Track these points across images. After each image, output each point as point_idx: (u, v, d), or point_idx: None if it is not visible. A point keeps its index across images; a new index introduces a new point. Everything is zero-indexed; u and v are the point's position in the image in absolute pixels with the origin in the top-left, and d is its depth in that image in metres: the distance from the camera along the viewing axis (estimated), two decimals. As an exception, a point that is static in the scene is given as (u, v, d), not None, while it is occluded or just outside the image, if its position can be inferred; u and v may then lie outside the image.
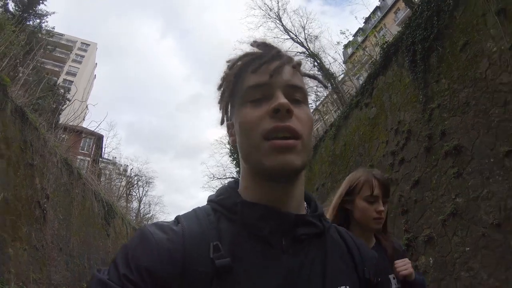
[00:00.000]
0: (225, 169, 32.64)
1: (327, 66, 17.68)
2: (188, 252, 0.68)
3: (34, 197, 8.50)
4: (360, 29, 26.16)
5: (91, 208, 12.00)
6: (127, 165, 33.30)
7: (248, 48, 0.85)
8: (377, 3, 29.53)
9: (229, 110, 0.88)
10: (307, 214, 0.81)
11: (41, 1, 16.88)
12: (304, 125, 0.75)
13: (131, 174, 33.30)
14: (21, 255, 7.54)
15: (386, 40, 8.29)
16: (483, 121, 5.06)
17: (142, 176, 35.62)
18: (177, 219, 0.77)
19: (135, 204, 34.91)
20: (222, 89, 0.87)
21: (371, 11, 28.81)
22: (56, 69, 19.97)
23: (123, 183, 28.55)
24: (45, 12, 17.01)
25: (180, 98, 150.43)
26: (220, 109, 0.90)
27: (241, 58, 0.82)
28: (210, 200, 0.84)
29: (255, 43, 0.84)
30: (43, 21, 17.19)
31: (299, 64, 0.83)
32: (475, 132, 5.19)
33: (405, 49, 7.16)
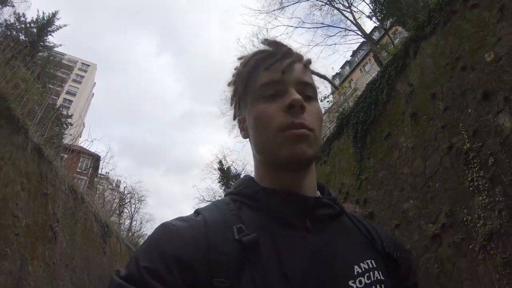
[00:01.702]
0: (215, 193, 33.76)
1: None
2: (212, 237, 0.68)
3: (48, 221, 10.17)
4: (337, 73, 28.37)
5: (91, 229, 13.62)
6: (120, 180, 34.28)
7: (260, 46, 0.90)
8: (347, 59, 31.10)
9: (240, 105, 0.91)
10: (323, 197, 0.84)
11: (49, 34, 18.53)
12: (315, 119, 0.79)
13: (124, 191, 34.37)
14: (38, 271, 9.18)
15: (342, 111, 9.83)
16: (388, 198, 6.68)
17: (134, 194, 36.26)
18: (197, 211, 0.79)
19: (126, 221, 35.55)
20: (235, 85, 0.91)
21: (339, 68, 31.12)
22: (58, 88, 21.37)
23: (116, 200, 29.54)
24: (53, 44, 18.68)
25: (173, 115, 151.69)
26: (231, 104, 0.96)
27: (254, 55, 0.87)
28: (229, 193, 0.87)
29: (266, 41, 0.88)
30: (51, 52, 18.90)
31: (309, 62, 0.87)
32: (382, 205, 6.81)
33: (351, 125, 8.57)
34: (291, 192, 0.78)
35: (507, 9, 4.87)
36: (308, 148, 0.74)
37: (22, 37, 17.13)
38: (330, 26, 17.14)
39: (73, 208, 12.20)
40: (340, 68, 34.01)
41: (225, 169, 30.57)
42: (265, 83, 0.80)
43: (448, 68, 5.68)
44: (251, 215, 0.76)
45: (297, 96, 0.75)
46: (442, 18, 6.22)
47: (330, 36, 17.92)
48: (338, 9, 16.60)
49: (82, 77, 47.25)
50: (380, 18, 15.51)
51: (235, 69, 0.91)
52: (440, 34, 6.22)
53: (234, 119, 0.95)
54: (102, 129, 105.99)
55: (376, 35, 19.75)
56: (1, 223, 7.96)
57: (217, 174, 31.06)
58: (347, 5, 16.99)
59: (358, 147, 8.11)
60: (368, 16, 16.15)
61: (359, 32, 16.20)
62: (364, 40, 17.11)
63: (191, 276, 0.62)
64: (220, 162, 31.32)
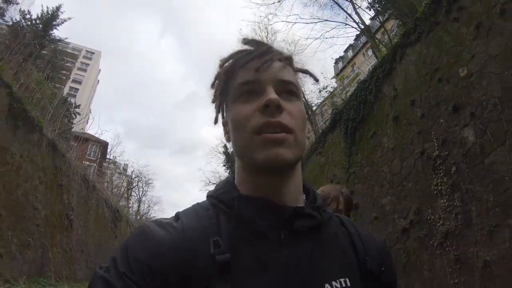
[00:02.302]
0: (220, 176, 34.32)
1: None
2: (188, 248, 0.67)
3: (64, 210, 10.97)
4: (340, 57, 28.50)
5: (102, 214, 14.49)
6: (127, 164, 34.95)
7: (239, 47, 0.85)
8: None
9: (223, 108, 0.88)
10: (305, 206, 0.78)
11: (54, 28, 19.02)
12: (296, 120, 0.74)
13: (131, 175, 35.17)
14: (57, 258, 10.02)
15: (335, 107, 10.41)
16: (370, 192, 7.36)
17: (142, 177, 37.01)
18: (177, 215, 0.77)
19: (134, 205, 36.59)
20: (215, 87, 0.88)
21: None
22: (63, 77, 21.88)
23: (124, 184, 30.47)
24: (58, 38, 19.18)
25: (177, 97, 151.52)
26: (214, 107, 0.90)
27: (231, 56, 0.83)
28: (209, 195, 0.83)
29: (244, 40, 0.84)
30: (57, 45, 19.41)
31: (289, 58, 0.82)
32: (365, 198, 7.48)
33: (343, 121, 9.16)
34: (268, 200, 0.74)
35: (483, 27, 5.32)
36: (287, 151, 0.70)
37: (28, 34, 17.52)
38: (327, 20, 17.41)
39: (86, 196, 13.00)
40: (344, 51, 34.13)
41: (230, 153, 31.14)
42: (242, 82, 0.77)
43: (427, 78, 6.22)
44: (228, 224, 0.73)
45: (273, 95, 0.72)
46: (426, 27, 6.68)
47: (328, 31, 18.20)
48: (337, 3, 16.92)
49: (87, 65, 47.61)
50: (378, 10, 15.87)
51: (215, 70, 0.88)
52: (423, 43, 6.70)
53: (215, 123, 0.91)
54: (107, 113, 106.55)
55: (377, 25, 19.92)
56: (24, 216, 8.75)
57: (222, 157, 31.83)
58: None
59: (348, 143, 8.76)
60: (367, 7, 16.48)
61: (356, 26, 16.52)
62: (360, 32, 17.43)
63: (164, 286, 0.63)
64: (225, 146, 31.89)
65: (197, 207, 0.80)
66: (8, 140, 8.59)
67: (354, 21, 16.15)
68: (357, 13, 16.92)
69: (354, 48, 33.84)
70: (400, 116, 6.86)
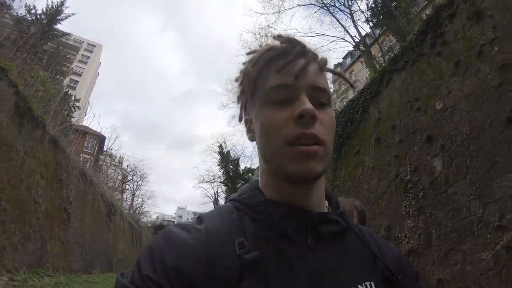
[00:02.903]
0: (214, 175, 34.74)
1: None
2: (213, 249, 0.68)
3: (62, 204, 11.47)
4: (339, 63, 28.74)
5: (98, 208, 15.01)
6: (123, 157, 35.48)
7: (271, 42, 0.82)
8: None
9: (248, 106, 0.86)
10: (330, 212, 0.81)
11: (58, 22, 19.42)
12: (328, 130, 0.74)
13: (126, 169, 35.59)
14: (54, 250, 10.54)
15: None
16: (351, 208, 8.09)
17: (137, 171, 37.42)
18: (200, 218, 0.77)
19: (128, 198, 36.53)
20: (242, 84, 0.85)
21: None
22: (64, 69, 22.23)
23: (119, 177, 30.80)
24: (61, 33, 19.59)
25: (175, 91, 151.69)
26: (238, 103, 0.90)
27: (264, 52, 0.80)
28: (232, 199, 0.84)
29: (279, 38, 0.81)
30: (61, 40, 19.84)
31: (325, 62, 0.79)
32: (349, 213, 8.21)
33: None
34: (294, 205, 0.75)
35: (462, 65, 5.80)
36: (318, 164, 0.70)
37: (33, 29, 17.86)
38: (324, 35, 18.10)
39: (83, 190, 13.51)
40: (342, 58, 34.67)
41: (225, 153, 31.59)
42: (275, 86, 0.74)
43: (408, 105, 6.78)
44: (253, 227, 0.74)
45: (309, 105, 0.70)
46: (412, 57, 7.16)
47: (324, 45, 18.72)
48: (335, 16, 17.49)
49: (88, 57, 47.78)
50: (374, 24, 16.45)
51: (243, 64, 0.86)
52: (408, 71, 7.21)
53: (240, 120, 0.91)
54: (105, 104, 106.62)
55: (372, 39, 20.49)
56: (26, 210, 9.25)
57: (217, 157, 32.40)
58: (347, 6, 17.84)
59: (334, 157, 9.18)
60: (365, 21, 17.05)
61: (351, 40, 17.11)
62: (354, 48, 18.01)
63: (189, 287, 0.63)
64: (220, 146, 32.68)
65: (220, 210, 0.81)
66: (14, 137, 9.05)
67: (351, 36, 16.68)
68: (355, 26, 17.50)
69: (353, 55, 34.28)
70: (381, 138, 7.42)
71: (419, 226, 5.59)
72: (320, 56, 0.79)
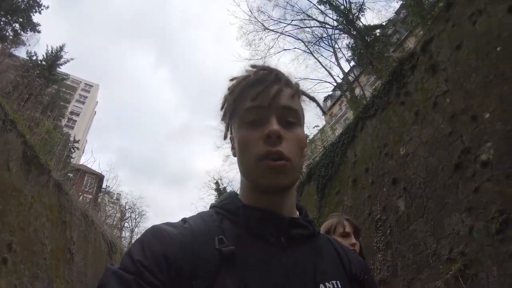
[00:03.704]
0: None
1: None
2: (197, 243, 0.75)
3: (66, 244, 12.13)
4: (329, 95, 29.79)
5: (99, 247, 15.62)
6: (120, 194, 35.81)
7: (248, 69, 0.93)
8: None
9: (230, 126, 0.96)
10: (299, 218, 0.91)
11: (59, 66, 20.48)
12: (294, 147, 0.83)
13: (125, 206, 36.05)
14: (60, 288, 11.18)
15: (310, 162, 11.62)
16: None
17: (135, 209, 37.80)
18: (184, 219, 0.85)
19: (127, 234, 37.28)
20: (223, 109, 0.95)
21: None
22: (63, 109, 23.17)
23: (118, 214, 31.20)
24: (61, 77, 20.66)
25: (170, 127, 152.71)
26: (223, 125, 1.00)
27: (241, 80, 0.90)
28: (213, 206, 0.93)
29: (254, 67, 0.92)
30: (60, 85, 20.94)
31: (297, 87, 0.91)
32: None
33: (316, 177, 10.40)
34: (269, 211, 0.83)
35: (420, 114, 6.60)
36: (285, 178, 0.80)
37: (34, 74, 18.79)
38: (307, 78, 19.27)
39: (85, 230, 14.17)
40: (332, 90, 35.77)
41: (221, 189, 31.88)
42: (249, 107, 0.85)
43: (378, 151, 7.65)
44: (232, 228, 0.82)
45: (275, 126, 0.80)
46: (381, 105, 8.03)
47: (309, 88, 19.88)
48: (318, 60, 18.75)
49: (85, 97, 49.19)
50: (356, 62, 17.63)
51: (226, 91, 0.94)
52: (378, 118, 8.07)
53: (225, 139, 0.99)
54: (101, 141, 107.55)
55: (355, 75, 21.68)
56: (34, 251, 9.93)
57: (214, 193, 32.59)
58: (331, 45, 19.07)
59: (319, 196, 10.04)
60: (347, 60, 18.23)
61: (333, 81, 18.31)
62: (334, 89, 19.16)
63: (176, 275, 0.69)
64: (217, 183, 33.02)
65: (202, 214, 0.88)
66: (22, 183, 9.81)
67: (333, 77, 17.80)
68: (338, 64, 18.67)
69: (333, 97, 35.47)
70: (357, 180, 8.21)
71: (387, 259, 6.36)
72: (293, 82, 0.91)
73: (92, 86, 53.32)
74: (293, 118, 0.86)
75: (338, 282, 0.82)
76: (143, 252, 0.70)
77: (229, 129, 0.97)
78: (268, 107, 0.83)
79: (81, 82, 50.49)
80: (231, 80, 0.94)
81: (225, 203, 0.91)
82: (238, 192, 0.94)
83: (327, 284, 0.80)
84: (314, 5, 18.04)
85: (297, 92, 0.91)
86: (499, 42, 5.23)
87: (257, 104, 0.84)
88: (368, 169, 7.88)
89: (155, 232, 0.76)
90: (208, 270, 0.71)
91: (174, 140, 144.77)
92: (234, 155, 0.93)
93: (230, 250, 0.74)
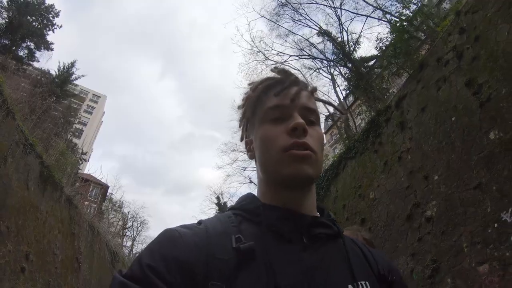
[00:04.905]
0: None
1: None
2: (212, 243, 0.74)
3: (74, 254, 13.27)
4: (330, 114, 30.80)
5: (103, 257, 16.77)
6: (123, 202, 36.53)
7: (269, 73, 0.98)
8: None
9: (248, 128, 0.99)
10: (321, 217, 0.89)
11: (71, 82, 21.74)
12: (317, 143, 0.85)
13: (127, 216, 37.05)
14: (67, 295, 12.32)
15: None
16: (355, 235, 9.85)
17: (137, 218, 38.93)
18: (199, 221, 0.84)
19: (128, 242, 38.31)
20: (243, 108, 0.99)
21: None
22: (71, 118, 24.26)
23: (120, 223, 32.09)
24: (72, 93, 21.94)
25: (173, 137, 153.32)
26: (240, 126, 1.04)
27: (263, 81, 0.95)
28: (231, 208, 0.92)
29: (275, 69, 0.98)
30: (71, 101, 22.20)
31: (314, 90, 0.96)
32: None
33: None
34: (290, 209, 0.83)
35: (388, 165, 7.60)
36: (310, 168, 0.80)
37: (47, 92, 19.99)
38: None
39: (92, 241, 15.33)
40: (325, 120, 36.42)
41: (222, 204, 32.75)
42: (273, 106, 0.87)
43: (354, 191, 8.74)
44: (251, 228, 0.80)
45: (301, 120, 0.82)
46: (359, 149, 9.09)
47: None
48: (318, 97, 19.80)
49: (93, 108, 50.62)
50: (348, 93, 18.79)
51: (245, 93, 0.99)
52: (357, 161, 9.13)
53: (241, 140, 1.02)
54: (105, 147, 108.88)
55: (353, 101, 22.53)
56: (47, 260, 11.08)
57: (215, 208, 33.38)
58: (329, 72, 20.13)
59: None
60: (344, 89, 19.33)
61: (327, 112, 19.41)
62: (326, 119, 20.28)
63: (189, 278, 0.67)
64: (218, 198, 33.89)
65: (219, 216, 0.88)
66: (39, 200, 10.95)
67: (327, 109, 18.90)
68: (335, 92, 19.76)
69: (335, 116, 36.09)
70: (336, 214, 9.17)
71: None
72: (310, 85, 0.97)
73: (100, 97, 54.99)
74: (313, 118, 0.90)
75: (367, 282, 0.80)
76: (152, 256, 0.69)
77: (246, 130, 1.00)
78: (290, 105, 0.87)
79: (89, 92, 51.60)
80: (250, 83, 0.99)
81: (244, 203, 0.90)
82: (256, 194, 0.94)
83: (355, 284, 0.78)
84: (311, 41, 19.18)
85: (314, 94, 0.96)
86: (454, 112, 5.96)
87: (279, 103, 0.87)
88: (345, 206, 8.95)
89: (167, 234, 0.76)
90: (225, 271, 0.70)
91: (176, 149, 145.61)
92: (251, 157, 0.96)
93: (248, 246, 0.73)
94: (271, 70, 0.99)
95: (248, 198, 0.92)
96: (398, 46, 9.77)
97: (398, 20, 11.35)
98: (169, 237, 0.75)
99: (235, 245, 0.74)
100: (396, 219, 6.84)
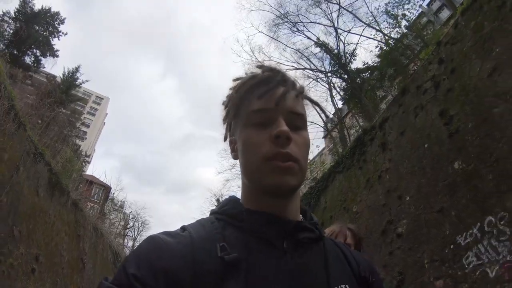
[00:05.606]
0: None
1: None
2: (197, 252, 0.72)
3: (79, 255, 14.01)
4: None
5: (106, 257, 17.55)
6: (124, 202, 36.64)
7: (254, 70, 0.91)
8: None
9: (232, 127, 0.93)
10: (305, 221, 0.87)
11: (75, 87, 22.51)
12: (301, 149, 0.81)
13: (129, 216, 37.31)
14: (73, 294, 13.10)
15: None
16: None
17: (138, 218, 39.10)
18: (183, 227, 0.82)
19: (129, 242, 37.98)
20: (227, 107, 0.94)
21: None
22: (73, 120, 24.99)
23: (121, 222, 32.33)
24: (77, 97, 22.72)
25: (174, 136, 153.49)
26: (223, 124, 0.97)
27: (247, 80, 0.88)
28: (213, 212, 0.90)
29: (261, 67, 0.91)
30: (76, 105, 23.01)
31: (302, 90, 0.89)
32: None
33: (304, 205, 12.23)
34: (274, 215, 0.81)
35: (370, 182, 8.18)
36: (293, 178, 0.78)
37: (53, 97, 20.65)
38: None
39: (95, 242, 16.09)
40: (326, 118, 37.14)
41: None
42: (256, 110, 0.82)
43: (339, 203, 9.39)
44: (234, 234, 0.78)
45: (285, 127, 0.78)
46: (346, 164, 9.70)
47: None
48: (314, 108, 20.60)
49: (96, 109, 51.28)
50: (343, 103, 19.51)
51: (229, 89, 0.93)
52: (344, 175, 9.74)
53: (225, 140, 0.97)
54: (106, 146, 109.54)
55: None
56: (54, 261, 11.83)
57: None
58: (327, 81, 20.82)
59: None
60: (340, 99, 20.05)
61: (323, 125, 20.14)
62: (324, 124, 21.03)
63: (175, 287, 0.66)
64: (218, 200, 33.47)
65: (201, 221, 0.86)
66: (48, 205, 11.66)
67: (323, 120, 19.61)
68: (332, 102, 20.47)
69: (330, 124, 36.65)
70: (324, 224, 9.54)
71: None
72: (298, 85, 0.90)
73: (103, 99, 55.68)
74: (300, 122, 0.86)
75: (346, 286, 0.80)
76: (137, 265, 0.68)
77: (230, 130, 0.96)
78: (275, 109, 0.82)
79: (92, 94, 52.05)
80: (235, 80, 0.93)
81: (226, 208, 0.88)
82: (239, 197, 0.92)
83: None
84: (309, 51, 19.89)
85: (302, 94, 0.90)
86: (428, 140, 6.45)
87: (263, 107, 0.83)
88: (332, 217, 9.58)
89: (151, 242, 0.74)
90: (211, 280, 0.69)
91: (177, 149, 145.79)
92: (235, 158, 0.92)
93: (233, 257, 0.72)
94: (257, 66, 0.94)
95: (230, 202, 0.90)
96: (384, 70, 10.37)
97: (385, 44, 11.97)
98: (154, 245, 0.73)
99: (220, 254, 0.73)
100: (374, 233, 7.48)
